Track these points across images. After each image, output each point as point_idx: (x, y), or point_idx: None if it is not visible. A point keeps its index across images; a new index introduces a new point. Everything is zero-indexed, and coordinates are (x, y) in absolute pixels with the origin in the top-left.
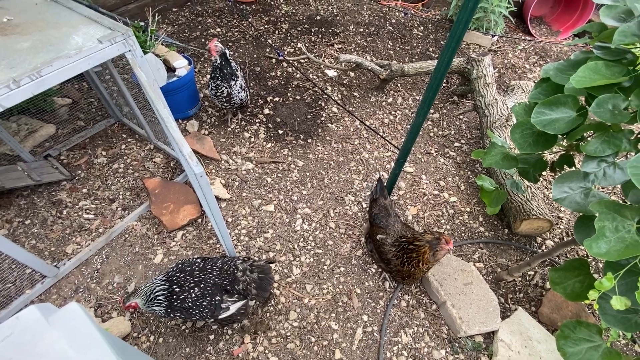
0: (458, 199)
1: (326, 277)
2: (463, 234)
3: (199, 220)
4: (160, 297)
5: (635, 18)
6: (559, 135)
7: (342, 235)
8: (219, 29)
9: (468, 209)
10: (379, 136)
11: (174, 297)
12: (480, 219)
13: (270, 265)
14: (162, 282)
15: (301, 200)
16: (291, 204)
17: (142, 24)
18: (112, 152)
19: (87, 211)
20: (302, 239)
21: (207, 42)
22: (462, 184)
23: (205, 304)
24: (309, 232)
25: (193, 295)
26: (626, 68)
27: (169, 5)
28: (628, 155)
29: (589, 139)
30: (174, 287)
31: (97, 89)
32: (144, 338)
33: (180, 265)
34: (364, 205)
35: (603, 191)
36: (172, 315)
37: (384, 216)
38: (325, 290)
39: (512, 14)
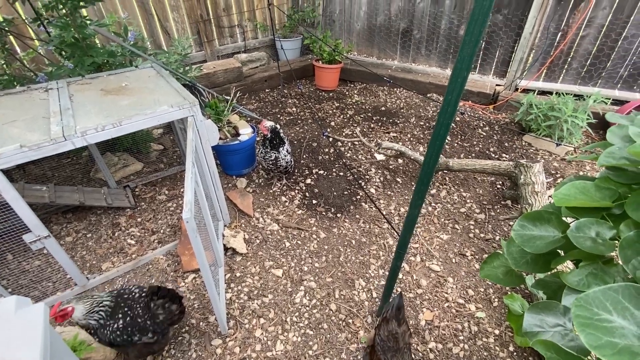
0: (487, 317)
1: None
2: None
3: (212, 268)
4: (102, 313)
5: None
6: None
7: (341, 322)
8: (294, 109)
9: (497, 332)
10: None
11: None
12: (511, 349)
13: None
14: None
15: (310, 273)
16: (300, 273)
17: (227, 97)
18: (173, 192)
19: (132, 237)
20: (297, 314)
21: (281, 117)
22: (496, 300)
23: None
24: (307, 308)
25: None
26: (617, 192)
27: (264, 87)
28: None
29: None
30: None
31: (177, 140)
32: None
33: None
34: (374, 295)
35: None
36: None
37: (391, 349)
38: None
39: (591, 125)
